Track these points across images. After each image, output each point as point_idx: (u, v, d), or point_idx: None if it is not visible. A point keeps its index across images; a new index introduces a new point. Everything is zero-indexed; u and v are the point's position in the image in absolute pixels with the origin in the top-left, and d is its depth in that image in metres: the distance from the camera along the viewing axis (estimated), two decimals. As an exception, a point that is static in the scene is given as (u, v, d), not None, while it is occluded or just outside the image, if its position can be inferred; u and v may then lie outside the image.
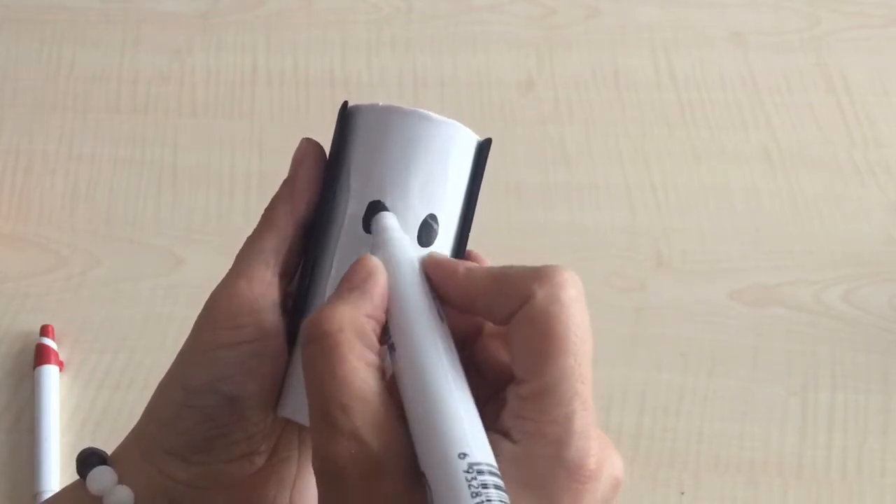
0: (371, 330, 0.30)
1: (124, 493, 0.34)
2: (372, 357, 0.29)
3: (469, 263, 0.32)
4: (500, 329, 0.32)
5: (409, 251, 0.33)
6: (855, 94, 0.76)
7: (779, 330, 0.64)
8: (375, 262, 0.31)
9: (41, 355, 0.60)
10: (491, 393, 0.31)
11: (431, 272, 0.32)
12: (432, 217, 0.35)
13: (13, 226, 0.67)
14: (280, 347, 0.35)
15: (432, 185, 0.35)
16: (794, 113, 0.75)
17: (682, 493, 0.58)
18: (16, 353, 0.61)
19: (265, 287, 0.35)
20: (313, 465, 0.29)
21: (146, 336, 0.62)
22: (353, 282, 0.31)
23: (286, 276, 0.36)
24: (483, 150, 0.37)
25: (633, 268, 0.67)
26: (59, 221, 0.67)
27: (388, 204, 0.35)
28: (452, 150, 0.35)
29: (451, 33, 0.78)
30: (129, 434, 0.36)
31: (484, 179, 0.36)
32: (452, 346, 0.30)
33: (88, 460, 0.35)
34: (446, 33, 0.78)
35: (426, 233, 0.35)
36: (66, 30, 0.77)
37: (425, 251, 0.34)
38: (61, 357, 0.61)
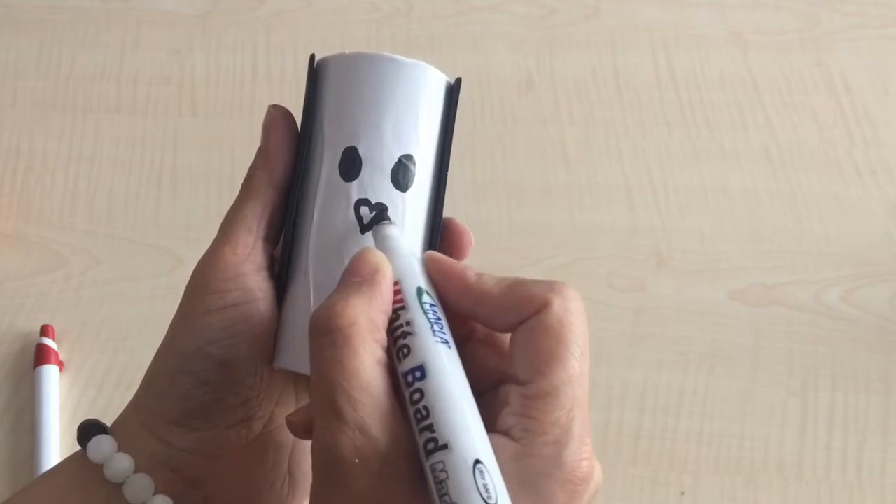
0: (382, 326, 0.30)
1: (125, 460, 0.34)
2: (381, 354, 0.30)
3: (474, 269, 0.32)
4: (489, 336, 0.33)
5: (412, 256, 0.33)
6: (855, 94, 0.76)
7: (779, 330, 0.64)
8: (380, 255, 0.32)
9: (41, 355, 0.60)
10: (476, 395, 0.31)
11: (435, 274, 0.32)
12: (407, 157, 0.35)
13: (13, 226, 0.67)
14: (267, 309, 0.35)
15: (404, 126, 0.35)
16: (794, 113, 0.75)
17: (682, 493, 0.58)
18: (16, 353, 0.61)
19: (248, 251, 0.35)
20: (313, 453, 0.29)
21: (146, 336, 0.62)
22: (359, 274, 0.31)
23: (270, 239, 0.36)
24: (454, 91, 0.37)
25: (633, 268, 0.67)
26: (59, 221, 0.67)
27: (361, 148, 0.35)
28: (422, 91, 0.36)
29: (451, 33, 0.78)
30: (128, 406, 0.37)
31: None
32: (455, 350, 0.30)
33: (89, 430, 0.35)
34: (446, 33, 0.78)
35: (403, 174, 0.35)
36: (66, 30, 0.77)
37: (425, 253, 0.34)
38: (61, 357, 0.61)
